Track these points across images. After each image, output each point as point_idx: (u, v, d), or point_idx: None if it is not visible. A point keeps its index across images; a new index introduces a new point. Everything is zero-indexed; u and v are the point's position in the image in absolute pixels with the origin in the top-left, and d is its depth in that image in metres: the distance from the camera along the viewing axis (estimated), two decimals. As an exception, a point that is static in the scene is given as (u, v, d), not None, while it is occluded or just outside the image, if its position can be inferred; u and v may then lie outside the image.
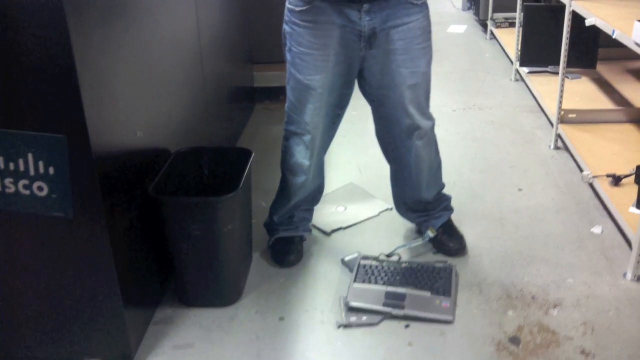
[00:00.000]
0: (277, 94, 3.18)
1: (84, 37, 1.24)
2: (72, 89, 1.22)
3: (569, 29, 2.55)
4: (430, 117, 1.78)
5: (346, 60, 1.66)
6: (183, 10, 1.98)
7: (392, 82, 1.68)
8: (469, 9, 5.27)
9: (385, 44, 1.63)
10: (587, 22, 2.25)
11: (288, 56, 1.69)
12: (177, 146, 1.80)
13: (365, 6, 1.57)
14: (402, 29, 1.62)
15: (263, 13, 3.13)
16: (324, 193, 2.00)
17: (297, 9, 1.61)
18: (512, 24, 4.10)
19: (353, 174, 2.49)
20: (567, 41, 2.58)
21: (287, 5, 1.65)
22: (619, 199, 2.04)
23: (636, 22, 1.85)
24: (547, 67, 3.32)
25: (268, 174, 2.17)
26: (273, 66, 3.21)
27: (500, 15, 4.40)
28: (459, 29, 4.80)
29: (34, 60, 1.21)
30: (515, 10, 3.62)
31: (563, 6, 2.56)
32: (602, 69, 3.30)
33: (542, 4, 3.39)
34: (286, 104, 1.76)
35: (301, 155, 1.78)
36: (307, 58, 1.64)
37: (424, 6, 1.67)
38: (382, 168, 1.98)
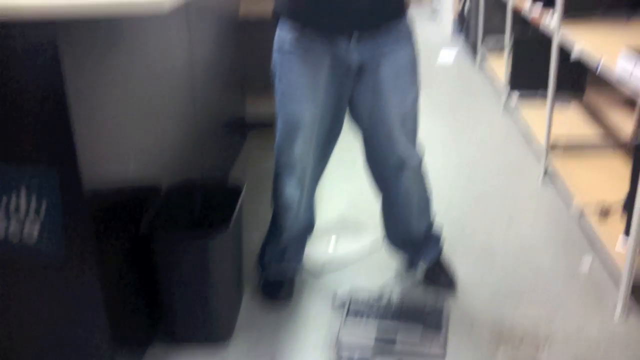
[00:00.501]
0: (269, 124, 3.19)
1: (76, 70, 1.25)
2: (64, 122, 1.23)
3: (557, 62, 2.58)
4: (419, 152, 1.79)
5: (336, 92, 1.67)
6: (177, 42, 1.99)
7: (381, 111, 1.68)
8: (459, 32, 5.33)
9: (374, 73, 1.64)
10: (573, 57, 2.27)
11: (278, 87, 1.69)
12: (169, 179, 1.80)
13: (356, 34, 1.58)
14: (392, 58, 1.63)
15: (256, 43, 3.14)
16: (316, 225, 2.00)
17: (288, 36, 1.62)
18: (502, 50, 4.15)
19: (345, 204, 2.50)
20: (555, 73, 2.60)
21: (278, 32, 1.66)
22: (608, 231, 2.05)
23: (620, 56, 1.87)
24: (537, 90, 3.35)
25: (261, 206, 2.17)
26: (266, 96, 3.22)
27: (491, 39, 4.43)
28: (449, 53, 4.85)
29: (27, 94, 1.21)
30: (505, 35, 3.66)
31: (550, 39, 2.60)
32: (590, 94, 3.34)
33: (530, 33, 3.42)
34: (276, 138, 1.75)
35: (292, 191, 1.78)
36: (296, 90, 1.65)
37: (412, 37, 1.68)
38: (374, 197, 1.98)
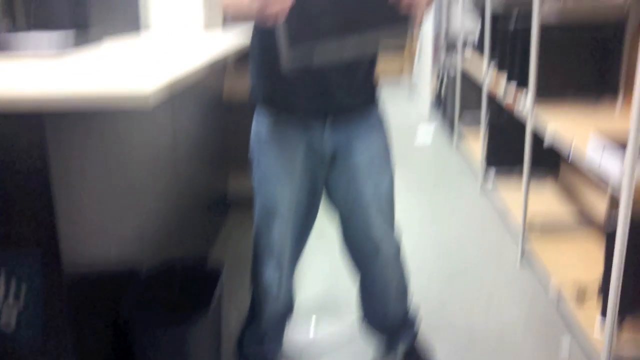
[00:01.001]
0: (251, 202, 3.20)
1: (61, 156, 1.27)
2: (47, 206, 1.24)
3: (531, 145, 2.65)
4: (396, 238, 1.80)
5: (312, 178, 1.70)
6: (160, 125, 2.02)
7: (356, 197, 1.71)
8: (437, 109, 5.46)
9: (348, 160, 1.67)
10: (547, 141, 2.34)
11: (255, 173, 1.73)
12: (149, 260, 1.80)
13: (330, 118, 1.62)
14: (365, 145, 1.67)
15: (239, 122, 3.19)
16: (296, 304, 1.99)
17: (264, 123, 1.66)
18: (478, 130, 4.25)
19: (324, 280, 2.49)
20: (530, 156, 2.66)
21: (255, 120, 1.71)
22: (586, 314, 2.07)
23: (590, 142, 1.93)
24: (513, 167, 3.42)
25: (241, 287, 2.15)
26: (248, 174, 3.23)
27: (467, 115, 4.54)
28: (427, 129, 4.96)
29: (11, 178, 1.23)
30: (480, 116, 3.76)
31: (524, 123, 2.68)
32: (565, 172, 3.42)
33: (505, 117, 3.52)
34: (254, 222, 1.77)
35: (271, 273, 1.77)
36: (273, 176, 1.68)
37: (384, 124, 1.74)
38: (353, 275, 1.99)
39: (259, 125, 1.68)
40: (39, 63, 1.51)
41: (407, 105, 6.20)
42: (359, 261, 1.83)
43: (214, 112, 2.89)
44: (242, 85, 3.50)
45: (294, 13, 1.24)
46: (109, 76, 1.38)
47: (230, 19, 1.49)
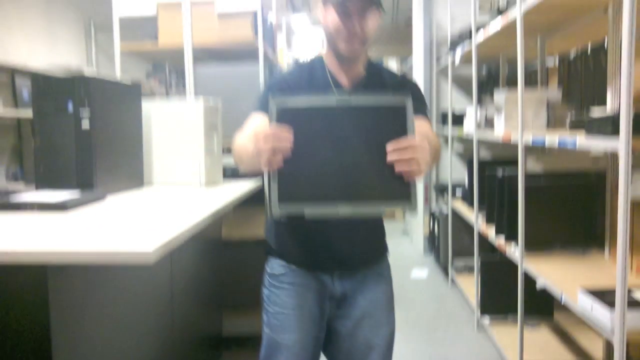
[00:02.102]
0: (245, 342, 3.20)
1: (62, 306, 1.32)
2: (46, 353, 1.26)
3: (523, 287, 2.72)
4: None
5: (320, 322, 1.75)
6: (159, 270, 2.08)
7: (356, 346, 1.74)
8: (430, 252, 5.55)
9: (353, 309, 1.74)
10: (538, 286, 2.40)
11: (265, 318, 1.78)
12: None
13: (337, 273, 1.73)
14: (370, 296, 1.75)
15: (236, 262, 3.28)
16: None
17: (276, 273, 1.75)
18: (472, 270, 4.31)
19: None
20: (522, 298, 2.73)
21: (267, 270, 1.79)
22: None
23: (580, 292, 2.00)
24: (507, 315, 3.44)
25: None
26: (243, 313, 3.27)
27: (460, 262, 4.63)
28: (421, 273, 5.00)
29: (13, 327, 1.27)
30: (473, 257, 3.84)
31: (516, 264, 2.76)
32: (560, 316, 3.43)
33: (498, 257, 3.61)
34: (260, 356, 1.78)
35: None
36: (282, 318, 1.73)
37: (389, 277, 1.82)
38: None
39: (270, 275, 1.77)
40: (47, 220, 1.61)
41: (402, 242, 6.30)
42: None
43: (211, 253, 2.95)
44: (240, 225, 3.61)
45: (290, 168, 1.24)
46: (113, 233, 1.47)
47: (243, 169, 1.63)
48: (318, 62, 1.86)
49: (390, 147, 1.26)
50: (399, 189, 1.27)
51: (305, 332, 1.74)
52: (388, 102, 1.30)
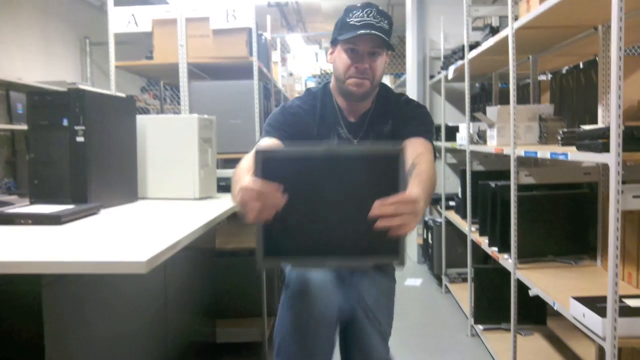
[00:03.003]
0: (239, 350, 3.21)
1: (56, 316, 1.32)
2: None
3: (516, 295, 2.74)
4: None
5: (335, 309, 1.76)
6: (152, 280, 2.08)
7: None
8: (423, 262, 5.56)
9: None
10: (531, 294, 2.42)
11: (286, 301, 1.75)
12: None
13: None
14: (373, 292, 1.82)
15: (228, 272, 3.29)
16: None
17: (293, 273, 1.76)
18: (465, 279, 4.33)
19: None
20: (516, 306, 2.75)
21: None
22: None
23: (572, 299, 2.02)
24: (500, 324, 3.45)
25: None
26: (236, 321, 3.27)
27: (453, 271, 4.66)
28: (415, 282, 5.02)
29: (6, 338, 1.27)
30: (466, 266, 3.85)
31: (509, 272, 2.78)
32: (552, 324, 3.43)
33: (491, 266, 3.63)
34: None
35: None
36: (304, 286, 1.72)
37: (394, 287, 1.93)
38: None
39: (289, 277, 1.79)
40: (41, 232, 1.62)
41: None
42: None
43: (204, 263, 2.95)
44: (233, 235, 3.62)
45: (276, 220, 1.18)
46: (107, 244, 1.47)
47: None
48: (328, 97, 1.91)
49: (376, 204, 1.16)
50: (386, 244, 1.20)
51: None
52: (380, 152, 1.24)
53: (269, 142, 1.77)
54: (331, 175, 1.19)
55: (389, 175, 1.19)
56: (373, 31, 1.73)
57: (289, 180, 1.17)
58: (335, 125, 1.89)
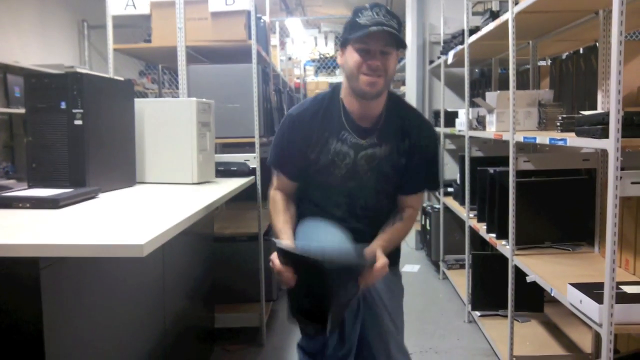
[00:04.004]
0: (237, 335, 3.22)
1: (54, 300, 1.33)
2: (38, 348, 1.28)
3: (513, 282, 2.75)
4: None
5: None
6: (150, 265, 2.09)
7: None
8: (421, 248, 5.58)
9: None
10: (529, 280, 2.43)
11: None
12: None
13: None
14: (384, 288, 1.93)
15: (226, 257, 3.30)
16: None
17: None
18: (462, 266, 4.34)
19: None
20: (513, 292, 2.76)
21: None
22: None
23: (569, 286, 2.03)
24: (497, 310, 3.47)
25: None
26: (234, 306, 3.28)
27: (451, 257, 4.66)
28: (413, 268, 5.03)
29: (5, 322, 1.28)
30: (464, 253, 3.86)
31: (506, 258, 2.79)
32: (550, 311, 3.45)
33: (489, 252, 3.64)
34: None
35: None
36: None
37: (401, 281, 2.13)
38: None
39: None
40: (39, 215, 1.62)
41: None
42: None
43: (202, 248, 2.96)
44: (231, 220, 3.63)
45: (296, 291, 1.66)
46: (105, 228, 1.47)
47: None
48: (336, 102, 1.92)
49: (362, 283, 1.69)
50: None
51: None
52: (352, 264, 1.64)
53: (281, 184, 1.98)
54: (322, 273, 1.56)
55: (355, 274, 1.66)
56: (385, 27, 1.73)
57: (299, 268, 1.63)
58: (340, 130, 1.90)
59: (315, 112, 1.91)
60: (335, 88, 1.97)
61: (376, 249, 1.77)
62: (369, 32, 1.72)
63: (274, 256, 1.67)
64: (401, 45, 1.79)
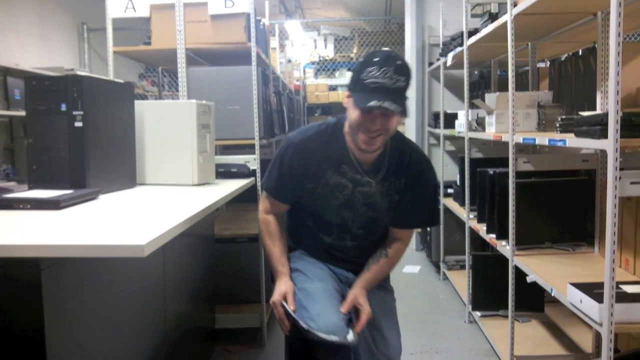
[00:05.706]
0: (238, 335, 3.22)
1: (56, 301, 1.33)
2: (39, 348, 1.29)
3: (513, 282, 2.75)
4: None
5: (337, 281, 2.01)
6: (151, 266, 2.09)
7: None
8: (422, 249, 5.58)
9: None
10: (529, 280, 2.43)
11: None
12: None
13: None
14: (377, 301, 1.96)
15: (227, 258, 3.30)
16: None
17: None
18: (463, 267, 4.34)
19: None
20: (513, 292, 2.76)
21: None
22: None
23: (569, 285, 2.03)
24: (498, 311, 3.47)
25: None
26: (235, 307, 3.28)
27: (451, 258, 4.66)
28: (413, 269, 5.03)
29: (6, 322, 1.28)
30: (465, 254, 3.86)
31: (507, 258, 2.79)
32: (550, 311, 3.45)
33: (489, 253, 3.64)
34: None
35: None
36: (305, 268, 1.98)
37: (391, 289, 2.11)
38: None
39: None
40: (40, 216, 1.62)
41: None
42: None
43: (203, 249, 2.96)
44: (232, 221, 3.63)
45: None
46: (106, 229, 1.48)
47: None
48: (339, 135, 1.91)
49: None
50: None
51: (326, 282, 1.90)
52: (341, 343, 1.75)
53: (274, 208, 2.02)
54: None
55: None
56: (385, 103, 1.67)
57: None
58: (340, 164, 1.90)
59: (318, 144, 1.90)
60: (339, 120, 1.95)
61: (359, 296, 1.85)
62: (367, 108, 1.69)
63: (277, 301, 1.82)
64: (403, 113, 1.74)
